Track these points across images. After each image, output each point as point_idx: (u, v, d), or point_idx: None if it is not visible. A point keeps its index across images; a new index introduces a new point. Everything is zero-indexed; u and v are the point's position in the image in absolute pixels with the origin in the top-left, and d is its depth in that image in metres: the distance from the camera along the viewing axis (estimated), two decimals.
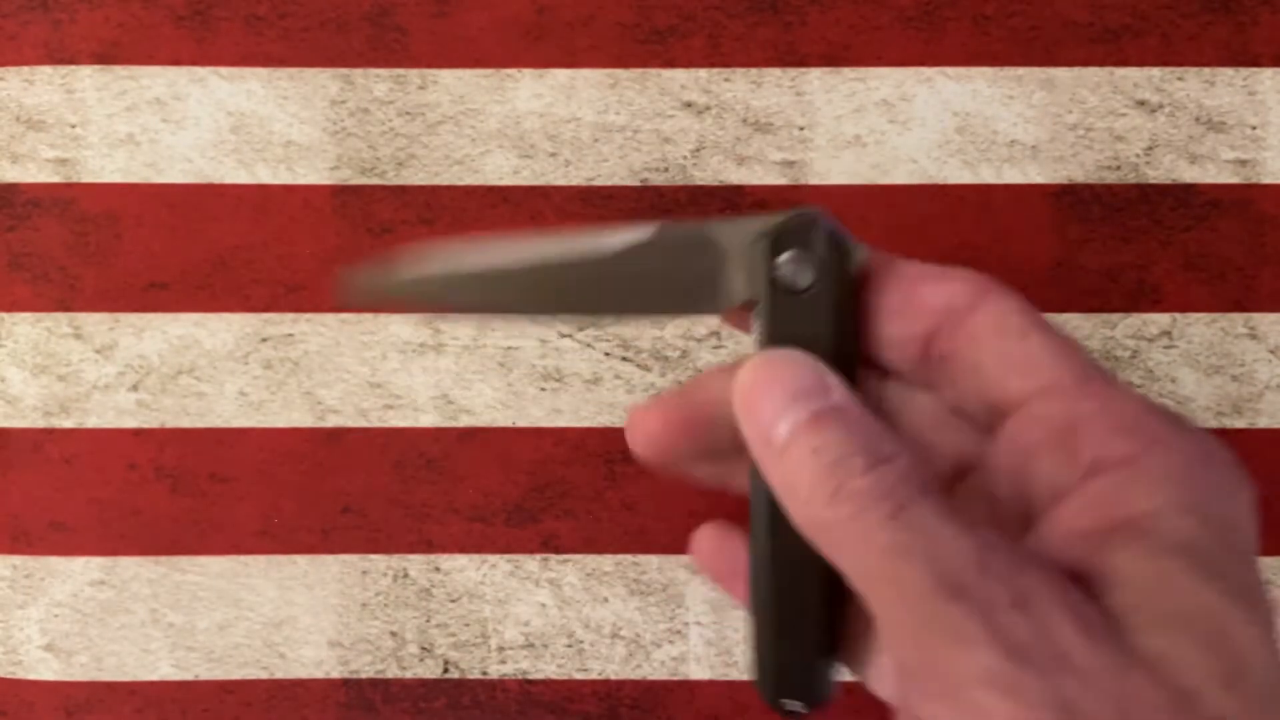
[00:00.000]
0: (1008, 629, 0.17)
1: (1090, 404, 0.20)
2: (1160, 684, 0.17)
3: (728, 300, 0.22)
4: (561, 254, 0.23)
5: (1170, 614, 0.18)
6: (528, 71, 0.33)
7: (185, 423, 0.33)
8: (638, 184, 0.33)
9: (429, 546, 0.33)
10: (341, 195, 0.33)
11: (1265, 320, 0.33)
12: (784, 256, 0.21)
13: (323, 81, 0.33)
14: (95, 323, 0.33)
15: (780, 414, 0.20)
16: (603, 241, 0.22)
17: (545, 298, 0.23)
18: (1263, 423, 0.33)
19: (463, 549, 0.33)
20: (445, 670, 0.33)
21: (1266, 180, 0.33)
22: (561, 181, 0.33)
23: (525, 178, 0.33)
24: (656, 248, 0.22)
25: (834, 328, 0.21)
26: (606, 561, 0.33)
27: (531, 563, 0.33)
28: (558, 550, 0.33)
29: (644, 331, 0.33)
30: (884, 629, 0.19)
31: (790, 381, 0.21)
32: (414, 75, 0.33)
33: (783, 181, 0.33)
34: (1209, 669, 0.17)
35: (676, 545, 0.33)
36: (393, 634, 0.33)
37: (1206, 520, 0.18)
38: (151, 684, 0.33)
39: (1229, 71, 0.33)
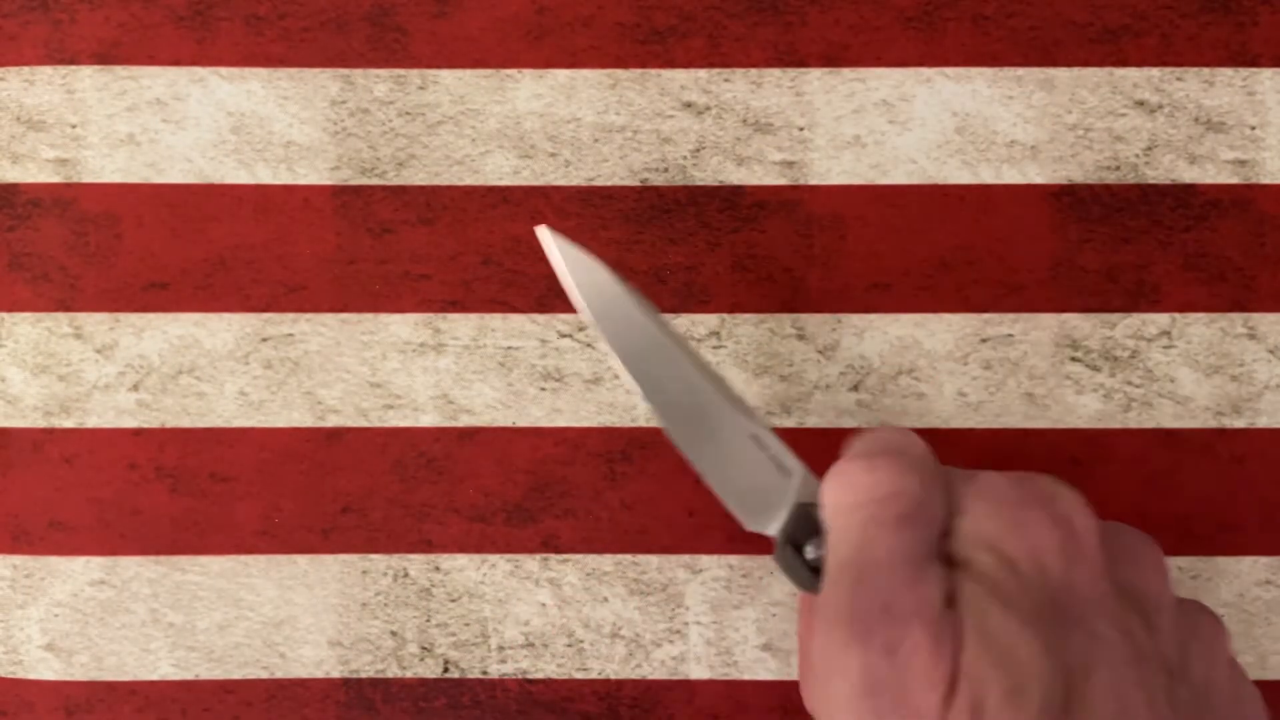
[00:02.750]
0: (872, 669, 0.23)
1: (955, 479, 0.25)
2: (968, 708, 0.22)
3: (762, 526, 0.27)
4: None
5: (983, 638, 0.22)
6: (528, 71, 0.33)
7: (185, 423, 0.33)
8: (638, 184, 0.33)
9: (429, 546, 0.33)
10: (342, 195, 0.33)
11: (1265, 320, 0.33)
12: (809, 549, 0.26)
13: (323, 82, 0.33)
14: (95, 323, 0.33)
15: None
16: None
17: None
18: (1262, 422, 0.33)
19: (463, 549, 0.33)
20: (445, 670, 0.33)
21: (1266, 180, 0.33)
22: (561, 181, 0.33)
23: (525, 178, 0.33)
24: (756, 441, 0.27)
25: None
26: (606, 561, 0.33)
27: (531, 562, 0.33)
28: (558, 550, 0.33)
29: None
30: (806, 626, 0.27)
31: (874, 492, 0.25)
32: (414, 75, 0.33)
33: (783, 181, 0.33)
34: (994, 683, 0.22)
35: (676, 545, 0.33)
36: (393, 634, 0.33)
37: (1001, 558, 0.23)
38: (151, 684, 0.33)
39: (1228, 71, 0.33)
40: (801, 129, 0.33)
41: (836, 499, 0.25)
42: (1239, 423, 0.33)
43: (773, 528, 0.26)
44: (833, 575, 0.24)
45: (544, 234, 0.27)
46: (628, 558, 0.33)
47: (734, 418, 0.27)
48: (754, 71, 0.33)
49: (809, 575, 0.25)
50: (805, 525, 0.26)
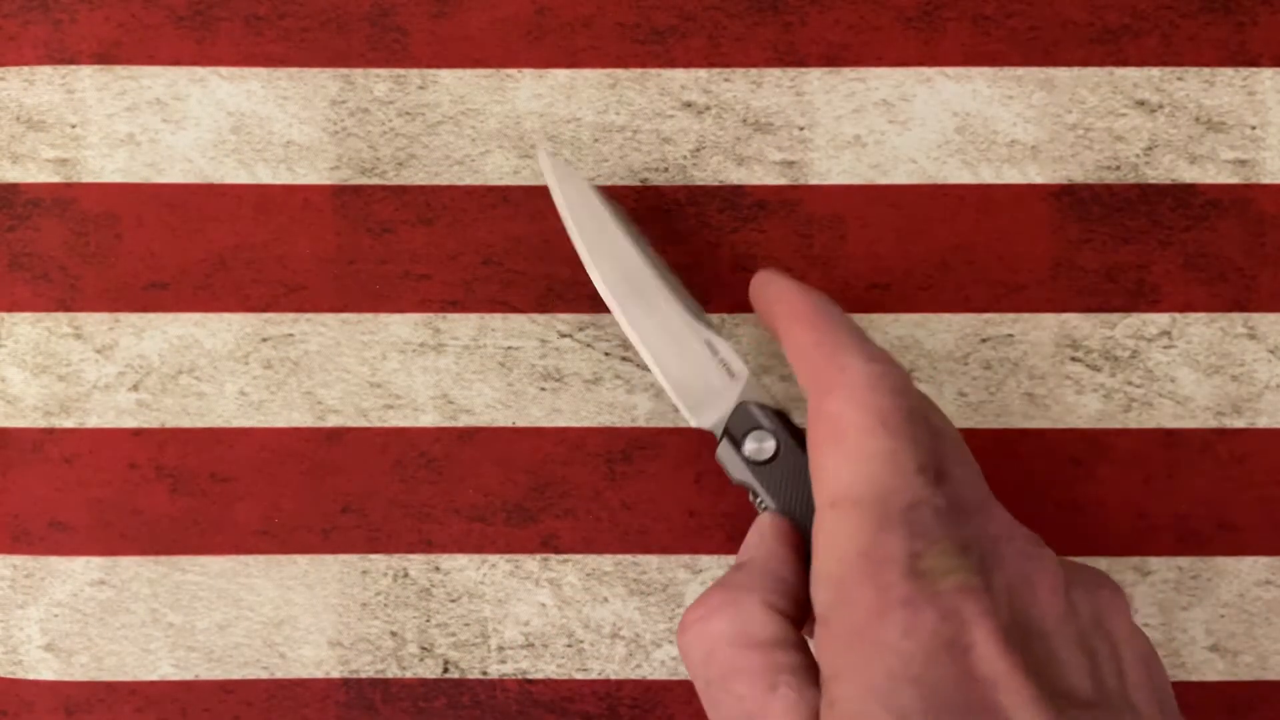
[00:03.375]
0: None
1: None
2: None
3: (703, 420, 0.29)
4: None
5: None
6: (528, 71, 0.33)
7: (185, 423, 0.33)
8: (638, 184, 0.33)
9: (429, 546, 0.33)
10: (341, 195, 0.33)
11: (1265, 320, 0.33)
12: (748, 442, 0.28)
13: (323, 81, 0.33)
14: (95, 323, 0.33)
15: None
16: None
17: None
18: (1262, 422, 0.33)
19: (463, 549, 0.33)
20: (445, 670, 0.33)
21: (1266, 180, 0.33)
22: None
23: (525, 178, 0.33)
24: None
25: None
26: (606, 561, 0.33)
27: (531, 563, 0.33)
28: (557, 550, 0.33)
29: None
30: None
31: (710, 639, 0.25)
32: (414, 75, 0.33)
33: (783, 181, 0.33)
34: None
35: (676, 545, 0.33)
36: (393, 634, 0.33)
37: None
38: (151, 684, 0.33)
39: (1229, 71, 0.33)
40: (801, 129, 0.33)
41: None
42: (1239, 423, 0.33)
43: (713, 421, 0.29)
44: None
45: (542, 157, 0.30)
46: (628, 558, 0.33)
47: (689, 321, 0.29)
48: (754, 71, 0.33)
49: (744, 467, 0.28)
50: (746, 421, 0.28)
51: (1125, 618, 0.24)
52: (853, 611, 0.21)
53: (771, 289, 0.27)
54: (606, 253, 0.30)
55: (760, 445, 0.28)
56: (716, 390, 0.29)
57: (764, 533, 0.26)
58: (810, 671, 0.23)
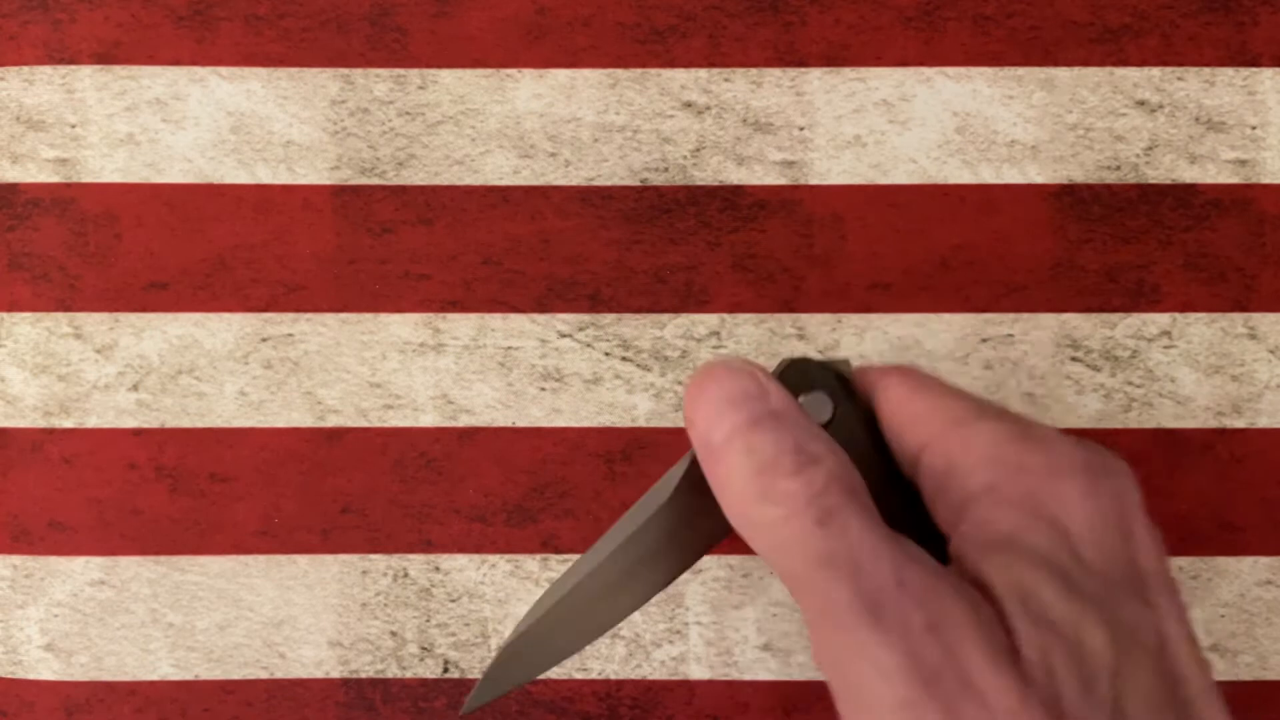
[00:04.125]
0: (921, 655, 0.19)
1: (955, 445, 0.22)
2: (1044, 703, 0.18)
3: None
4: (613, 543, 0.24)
5: (1040, 622, 0.19)
6: (528, 71, 0.33)
7: (185, 423, 0.33)
8: (638, 184, 0.33)
9: (429, 546, 0.33)
10: (341, 195, 0.33)
11: (1265, 320, 0.33)
12: (804, 398, 0.23)
13: (323, 81, 0.33)
14: (95, 323, 0.33)
15: (718, 418, 0.21)
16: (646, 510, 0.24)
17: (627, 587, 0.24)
18: (1262, 422, 0.33)
19: (463, 549, 0.33)
20: (445, 670, 0.33)
21: (1266, 180, 0.33)
22: (561, 181, 0.33)
23: (525, 178, 0.33)
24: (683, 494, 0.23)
25: (867, 444, 0.23)
26: None
27: (531, 562, 0.33)
28: (558, 550, 0.33)
29: (644, 331, 0.33)
30: (812, 640, 0.20)
31: (730, 387, 0.22)
32: (414, 75, 0.33)
33: (783, 181, 0.33)
34: (1070, 675, 0.19)
35: None
36: (393, 634, 0.33)
37: (1055, 534, 0.20)
38: (151, 684, 0.33)
39: (1229, 71, 0.33)
40: (801, 129, 0.33)
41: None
42: (1239, 423, 0.33)
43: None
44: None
45: None
46: None
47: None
48: (754, 71, 0.33)
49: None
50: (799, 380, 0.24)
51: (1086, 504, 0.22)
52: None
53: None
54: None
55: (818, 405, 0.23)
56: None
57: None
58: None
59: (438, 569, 0.33)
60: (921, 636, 0.19)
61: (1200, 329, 0.33)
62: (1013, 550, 0.20)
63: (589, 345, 0.33)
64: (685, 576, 0.33)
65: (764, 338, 0.33)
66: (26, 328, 0.33)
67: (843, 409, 0.23)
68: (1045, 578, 0.20)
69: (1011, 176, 0.33)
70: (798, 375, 0.23)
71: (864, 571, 0.19)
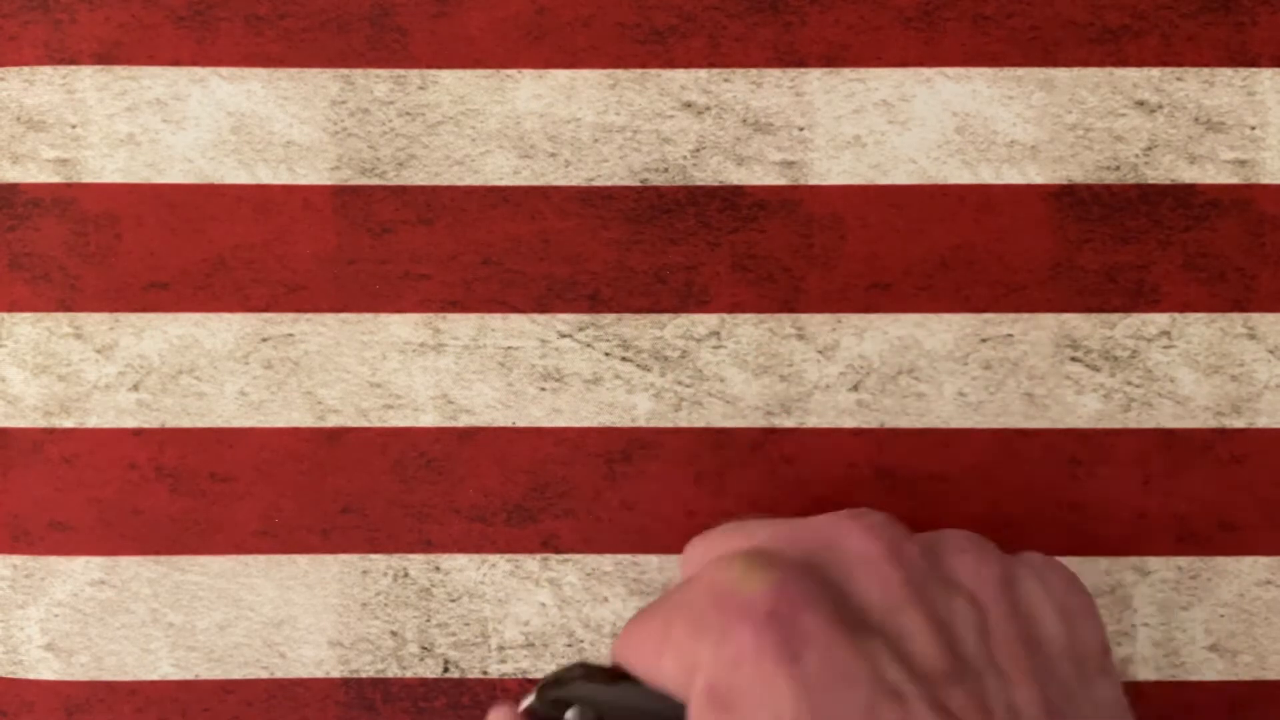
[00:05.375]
0: None
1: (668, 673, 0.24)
2: None
3: None
4: None
5: None
6: (528, 71, 0.33)
7: (185, 423, 0.33)
8: (638, 184, 0.33)
9: (429, 546, 0.33)
10: (342, 195, 0.33)
11: (1265, 320, 0.33)
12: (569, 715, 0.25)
13: (323, 82, 0.33)
14: (95, 323, 0.33)
15: None
16: None
17: None
18: (1262, 422, 0.33)
19: (463, 549, 0.33)
20: (445, 670, 0.33)
21: (1266, 180, 0.33)
22: (561, 181, 0.33)
23: (525, 178, 0.33)
24: None
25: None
26: (606, 561, 0.33)
27: (531, 562, 0.33)
28: (558, 550, 0.33)
29: (644, 331, 0.33)
30: None
31: None
32: (414, 75, 0.33)
33: (783, 181, 0.33)
34: None
35: (676, 545, 0.33)
36: (393, 634, 0.33)
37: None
38: (151, 684, 0.33)
39: (1228, 72, 0.33)
40: (801, 129, 0.33)
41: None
42: (1239, 423, 0.33)
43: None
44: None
45: None
46: (628, 558, 0.33)
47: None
48: (754, 71, 0.33)
49: None
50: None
51: (982, 571, 0.24)
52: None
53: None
54: None
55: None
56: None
57: None
58: None
59: (438, 569, 0.33)
60: None
61: (1200, 329, 0.33)
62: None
63: (589, 345, 0.33)
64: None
65: (764, 338, 0.33)
66: (27, 328, 0.33)
67: (606, 701, 0.25)
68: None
69: (1011, 177, 0.33)
70: (555, 693, 0.25)
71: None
